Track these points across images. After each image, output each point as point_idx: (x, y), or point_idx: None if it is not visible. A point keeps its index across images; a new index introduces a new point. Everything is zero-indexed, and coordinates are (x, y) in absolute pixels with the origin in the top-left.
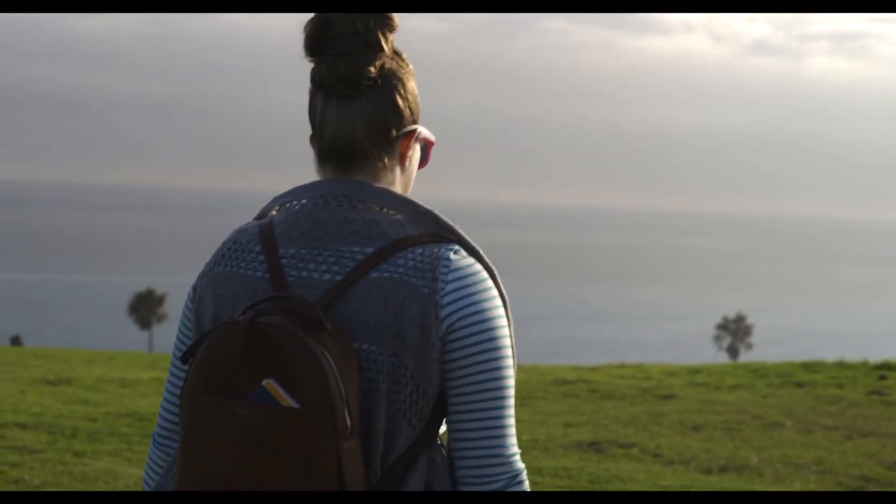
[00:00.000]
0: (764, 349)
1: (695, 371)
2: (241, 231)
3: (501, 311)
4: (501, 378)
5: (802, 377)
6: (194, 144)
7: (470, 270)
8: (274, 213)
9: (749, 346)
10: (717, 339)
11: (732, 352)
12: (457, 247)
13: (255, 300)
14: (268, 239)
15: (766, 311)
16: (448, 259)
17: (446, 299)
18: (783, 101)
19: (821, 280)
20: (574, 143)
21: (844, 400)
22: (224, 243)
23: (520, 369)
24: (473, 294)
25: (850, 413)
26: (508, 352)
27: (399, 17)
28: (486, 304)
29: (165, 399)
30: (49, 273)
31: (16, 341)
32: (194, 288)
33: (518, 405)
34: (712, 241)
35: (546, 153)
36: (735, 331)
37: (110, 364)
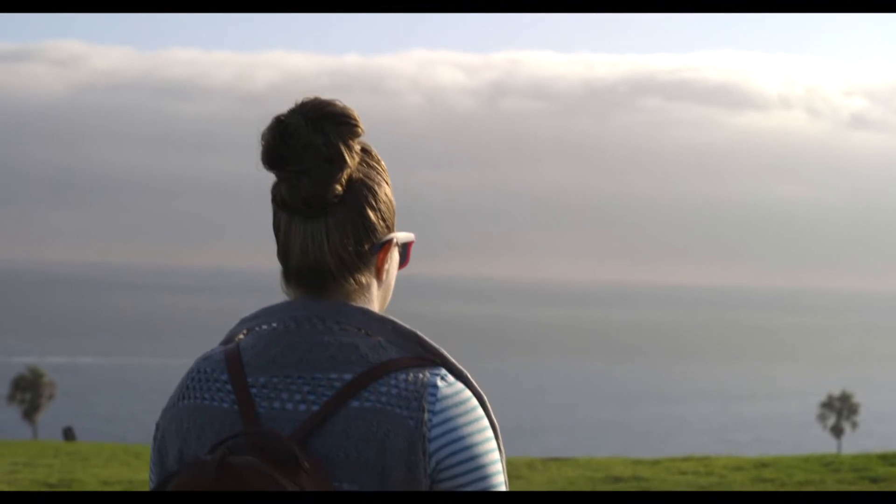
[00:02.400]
0: (871, 426)
1: (762, 465)
2: (206, 358)
3: (493, 444)
4: None
5: (879, 471)
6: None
7: (458, 399)
8: (241, 337)
9: (854, 425)
10: (822, 417)
11: (837, 431)
12: (443, 371)
13: (223, 436)
14: (235, 366)
15: (873, 388)
16: (435, 386)
17: (434, 432)
18: (882, 175)
19: None
20: (672, 220)
21: None
22: (188, 373)
23: (573, 463)
24: (463, 426)
25: None
26: (502, 488)
27: (463, 86)
28: (478, 438)
29: None
30: (155, 357)
31: (68, 435)
32: (157, 426)
33: None
34: (813, 317)
35: (644, 231)
36: (840, 409)
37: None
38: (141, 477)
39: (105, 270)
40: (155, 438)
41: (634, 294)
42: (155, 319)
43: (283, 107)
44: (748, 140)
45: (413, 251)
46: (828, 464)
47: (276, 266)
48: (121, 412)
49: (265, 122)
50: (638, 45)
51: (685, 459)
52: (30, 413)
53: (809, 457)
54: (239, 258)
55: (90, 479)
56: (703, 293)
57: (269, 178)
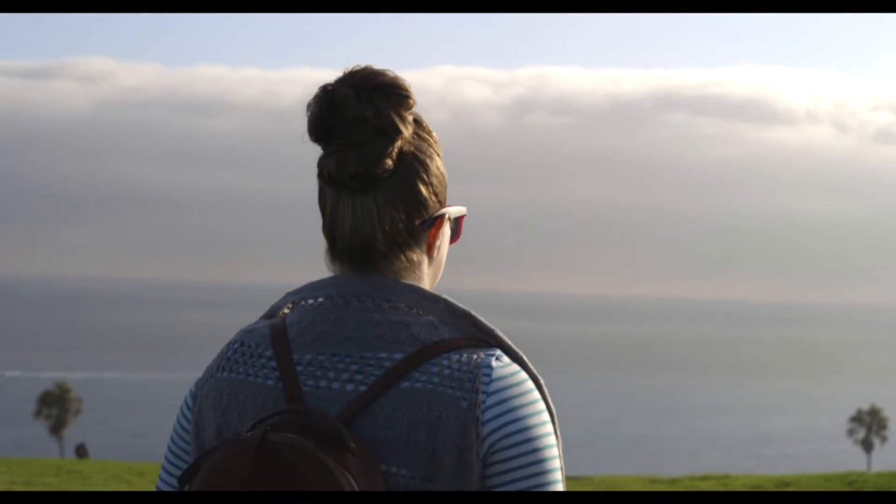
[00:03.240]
0: None
1: (783, 483)
2: (249, 332)
3: (549, 428)
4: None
5: None
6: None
7: (514, 380)
8: (286, 311)
9: (884, 439)
10: (851, 432)
11: (867, 445)
12: (498, 352)
13: (266, 413)
14: (280, 342)
15: None
16: (489, 367)
17: (488, 414)
18: None
19: None
20: (700, 235)
21: None
22: (229, 345)
23: (586, 482)
24: (519, 408)
25: None
26: (558, 475)
27: (489, 101)
28: (533, 420)
29: None
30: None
31: (81, 452)
32: (193, 395)
33: None
34: (843, 332)
35: (671, 246)
36: (869, 423)
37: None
38: None
39: (130, 286)
40: (190, 409)
41: (662, 309)
42: (179, 335)
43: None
44: (775, 155)
45: (446, 266)
46: (851, 482)
47: (300, 278)
48: (149, 427)
49: (291, 139)
50: (664, 59)
51: (704, 478)
52: (57, 428)
53: (831, 475)
54: (264, 273)
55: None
56: (731, 308)
57: (295, 191)
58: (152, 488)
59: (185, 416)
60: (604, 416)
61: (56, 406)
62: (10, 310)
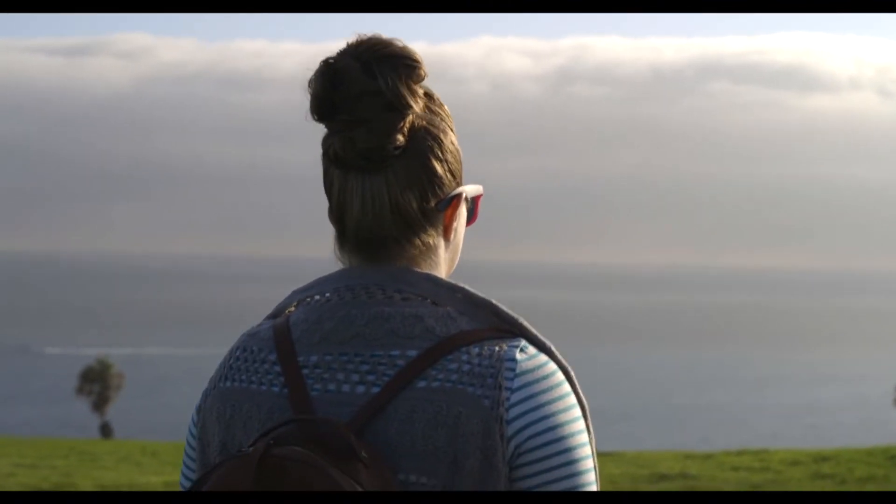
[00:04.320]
0: None
1: (822, 459)
2: (252, 335)
3: (581, 424)
4: None
5: None
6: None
7: (541, 373)
8: (292, 310)
9: None
10: None
11: None
12: (523, 343)
13: (271, 424)
14: (284, 344)
15: None
16: (513, 360)
17: (513, 412)
18: None
19: None
20: (744, 204)
21: None
22: (231, 352)
23: (618, 458)
24: (547, 404)
25: None
26: (591, 476)
27: (529, 72)
28: (563, 417)
29: None
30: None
31: (106, 431)
32: (198, 410)
33: None
34: (890, 299)
35: (715, 215)
36: None
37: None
38: (143, 480)
39: (170, 262)
40: (195, 424)
41: (707, 278)
42: (222, 309)
43: None
44: (818, 122)
45: (482, 238)
46: (892, 457)
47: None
48: (192, 404)
49: None
50: (705, 27)
51: (739, 453)
52: (99, 405)
53: (874, 449)
54: (306, 248)
55: (89, 484)
56: (776, 276)
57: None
58: (164, 469)
59: (191, 433)
60: (646, 387)
61: (98, 383)
62: (50, 287)
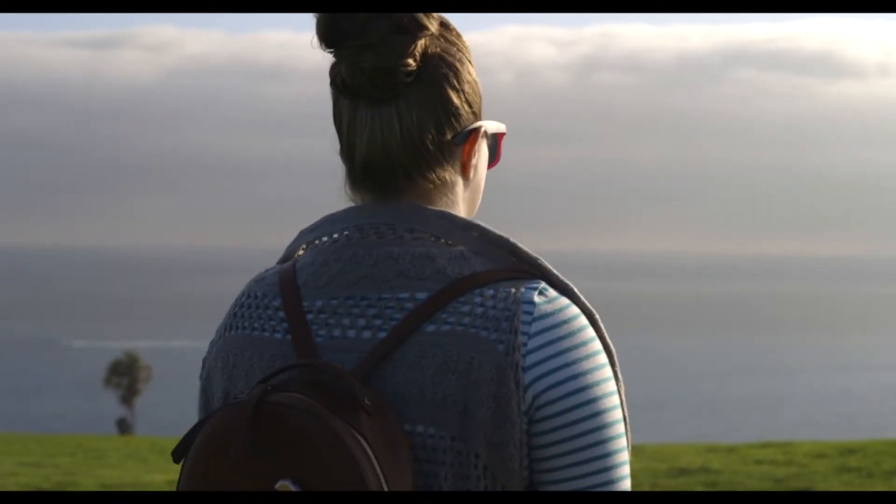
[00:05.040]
0: None
1: (848, 451)
2: (258, 281)
3: (607, 371)
4: (612, 468)
5: None
6: None
7: (562, 316)
8: (300, 253)
9: None
10: None
11: None
12: (542, 284)
13: (272, 371)
14: (289, 289)
15: None
16: (531, 302)
17: (531, 359)
18: None
19: None
20: (774, 191)
21: None
22: (237, 299)
23: (638, 452)
24: (568, 350)
25: None
26: (620, 428)
27: (554, 61)
28: (587, 364)
29: None
30: None
31: (123, 426)
32: (203, 361)
33: None
34: None
35: (744, 202)
36: None
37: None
38: (148, 478)
39: (199, 254)
40: (201, 377)
41: (738, 266)
42: None
43: None
44: (846, 109)
45: (511, 226)
46: None
47: None
48: None
49: None
50: (732, 15)
51: (763, 446)
52: (127, 398)
53: None
54: None
55: (91, 483)
56: (806, 263)
57: None
58: (170, 466)
59: (199, 385)
60: (678, 375)
61: (126, 376)
62: (78, 280)
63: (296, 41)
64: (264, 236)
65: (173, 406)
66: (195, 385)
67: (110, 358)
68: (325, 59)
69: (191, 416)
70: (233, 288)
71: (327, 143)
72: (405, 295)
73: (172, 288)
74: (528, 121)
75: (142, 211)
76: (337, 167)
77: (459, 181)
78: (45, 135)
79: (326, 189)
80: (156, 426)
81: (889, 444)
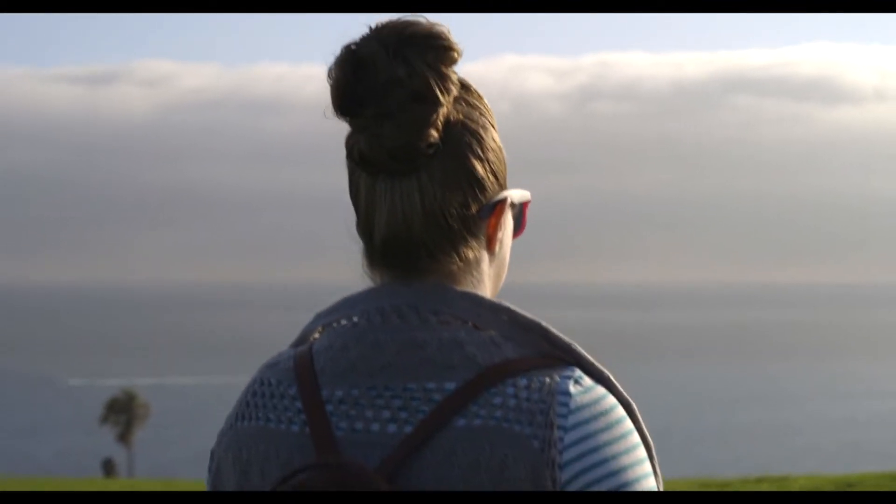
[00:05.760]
0: None
1: (846, 484)
2: (271, 366)
3: (647, 466)
4: None
5: None
6: None
7: (599, 408)
8: (316, 336)
9: None
10: None
11: None
12: (577, 373)
13: (291, 468)
14: (306, 376)
15: None
16: (566, 393)
17: (567, 455)
18: None
19: None
20: (774, 218)
21: None
22: (249, 386)
23: None
24: (607, 445)
25: None
26: None
27: (551, 91)
28: (625, 460)
29: None
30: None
31: (108, 467)
32: (212, 453)
33: None
34: None
35: (745, 230)
36: None
37: None
38: None
39: (196, 289)
40: (210, 469)
41: (740, 294)
42: (251, 337)
43: None
44: (843, 135)
45: (510, 259)
46: None
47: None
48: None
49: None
50: (728, 41)
51: (759, 481)
52: (124, 436)
53: None
54: (335, 273)
55: None
56: (808, 291)
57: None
58: None
59: (207, 479)
60: (684, 404)
61: (123, 413)
62: (74, 318)
63: (292, 73)
64: (263, 271)
65: (172, 445)
66: (194, 423)
67: (107, 395)
68: (323, 89)
69: (189, 456)
70: (231, 323)
71: (326, 175)
72: (432, 385)
73: (170, 323)
74: (525, 151)
75: (139, 246)
76: (338, 203)
77: (485, 257)
78: (40, 171)
79: (324, 222)
80: (154, 466)
81: (888, 478)
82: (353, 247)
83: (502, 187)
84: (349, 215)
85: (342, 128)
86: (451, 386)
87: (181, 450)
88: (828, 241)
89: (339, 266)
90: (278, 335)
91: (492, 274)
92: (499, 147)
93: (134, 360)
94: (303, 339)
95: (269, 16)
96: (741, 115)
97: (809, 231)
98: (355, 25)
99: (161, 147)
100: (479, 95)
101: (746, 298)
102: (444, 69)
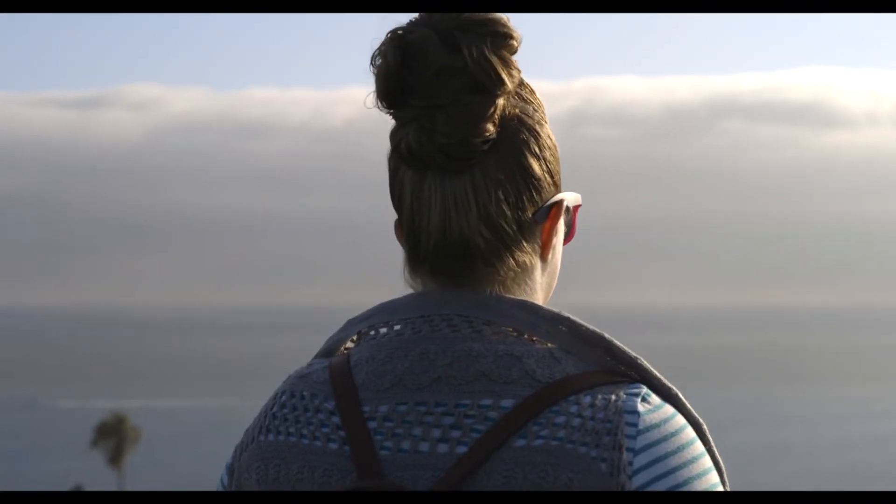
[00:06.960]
0: None
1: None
2: (302, 377)
3: (719, 490)
4: None
5: None
6: (369, 262)
7: (669, 428)
8: (350, 345)
9: None
10: None
11: None
12: (645, 390)
13: (329, 490)
14: (345, 389)
15: None
16: (635, 412)
17: (638, 480)
18: None
19: None
20: (766, 242)
21: None
22: (274, 398)
23: None
24: (679, 469)
25: None
26: None
27: (554, 117)
28: (698, 485)
29: None
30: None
31: None
32: (229, 470)
33: None
34: None
35: (737, 254)
36: None
37: None
38: None
39: (186, 313)
40: (226, 488)
41: (730, 317)
42: (242, 361)
43: (362, 141)
44: (835, 159)
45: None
46: None
47: (364, 301)
48: (213, 455)
49: (344, 158)
50: (720, 65)
51: None
52: (114, 460)
53: None
54: (325, 296)
55: None
56: (799, 314)
57: (355, 211)
58: None
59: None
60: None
61: (113, 436)
62: (65, 341)
63: (281, 97)
64: (253, 294)
65: (163, 469)
66: (185, 446)
67: (97, 418)
68: (312, 113)
69: (181, 479)
70: (222, 346)
71: (315, 198)
72: (488, 402)
73: (161, 347)
74: None
75: (129, 270)
76: (329, 226)
77: (538, 264)
78: (29, 195)
79: (317, 245)
80: (145, 490)
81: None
82: (341, 271)
83: (557, 188)
84: (342, 239)
85: (332, 151)
86: (508, 403)
87: (173, 473)
88: (820, 264)
89: (330, 289)
90: (269, 358)
91: (543, 283)
92: (554, 145)
93: (125, 384)
94: (331, 348)
95: (257, 40)
96: (732, 139)
97: (801, 255)
98: (346, 48)
99: (150, 171)
100: (531, 89)
101: (737, 322)
102: (505, 56)
